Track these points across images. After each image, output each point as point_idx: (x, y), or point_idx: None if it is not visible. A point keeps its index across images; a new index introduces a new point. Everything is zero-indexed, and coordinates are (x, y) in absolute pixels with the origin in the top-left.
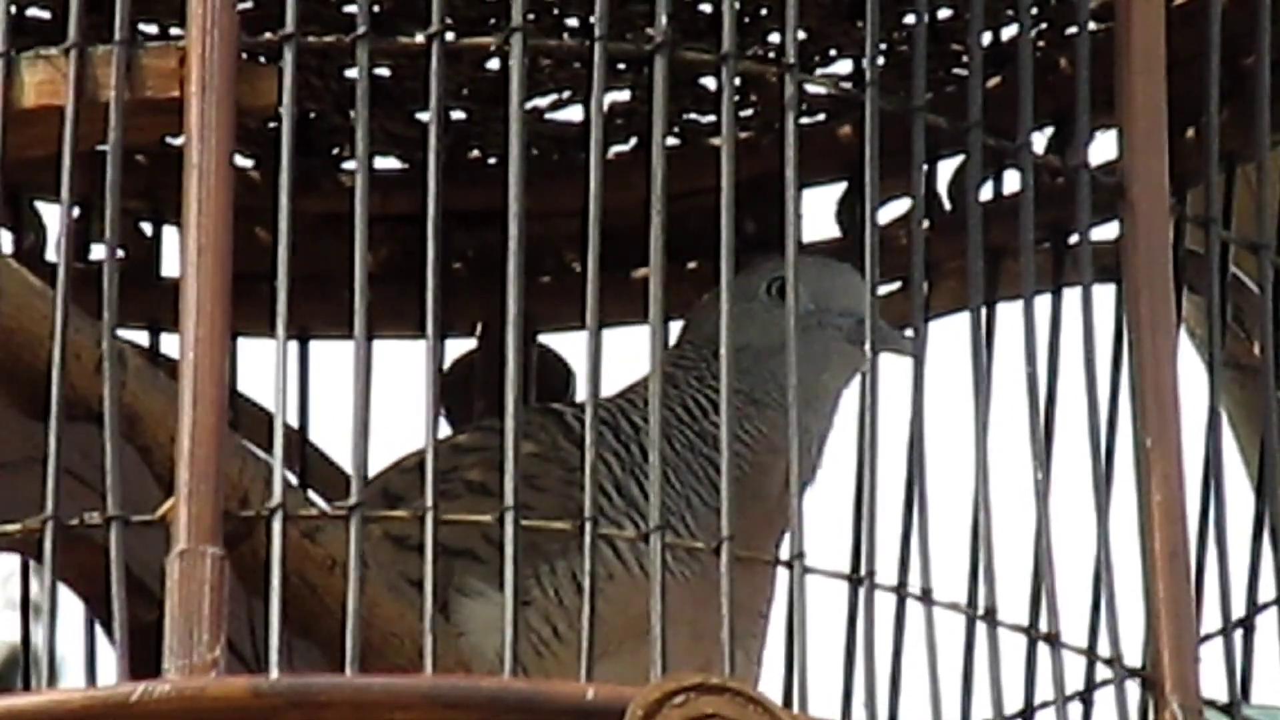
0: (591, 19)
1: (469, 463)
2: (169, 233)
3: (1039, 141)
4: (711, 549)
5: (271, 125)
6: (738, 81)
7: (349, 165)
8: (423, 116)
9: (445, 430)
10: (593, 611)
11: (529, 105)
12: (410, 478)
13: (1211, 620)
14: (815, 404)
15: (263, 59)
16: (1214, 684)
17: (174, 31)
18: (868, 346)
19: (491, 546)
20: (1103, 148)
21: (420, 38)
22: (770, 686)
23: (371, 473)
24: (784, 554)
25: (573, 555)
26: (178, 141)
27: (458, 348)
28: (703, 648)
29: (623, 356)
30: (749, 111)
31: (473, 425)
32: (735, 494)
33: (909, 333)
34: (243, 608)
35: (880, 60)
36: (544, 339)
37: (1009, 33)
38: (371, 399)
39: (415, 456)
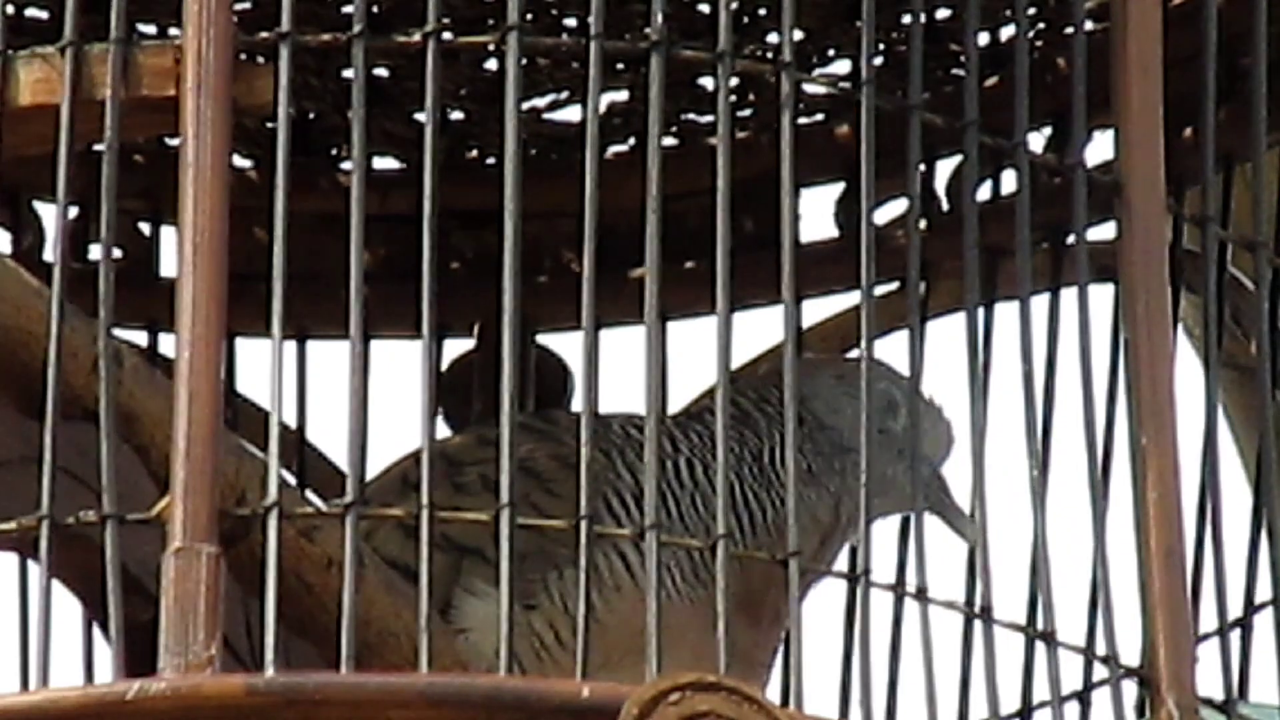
0: (589, 18)
1: (489, 457)
2: (168, 233)
3: (1036, 141)
4: (707, 547)
5: (270, 125)
6: (735, 81)
7: (347, 165)
8: (421, 116)
9: (443, 430)
10: (591, 615)
11: (527, 105)
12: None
13: (1209, 619)
14: (854, 521)
15: (259, 58)
16: (1211, 683)
17: (172, 31)
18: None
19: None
20: (1100, 147)
21: (417, 36)
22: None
23: (370, 474)
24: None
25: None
26: (176, 142)
27: (457, 348)
28: (703, 670)
29: (620, 357)
30: (747, 111)
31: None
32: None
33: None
34: (239, 606)
35: (878, 60)
36: (542, 339)
37: (1007, 33)
38: (369, 399)
39: (439, 445)
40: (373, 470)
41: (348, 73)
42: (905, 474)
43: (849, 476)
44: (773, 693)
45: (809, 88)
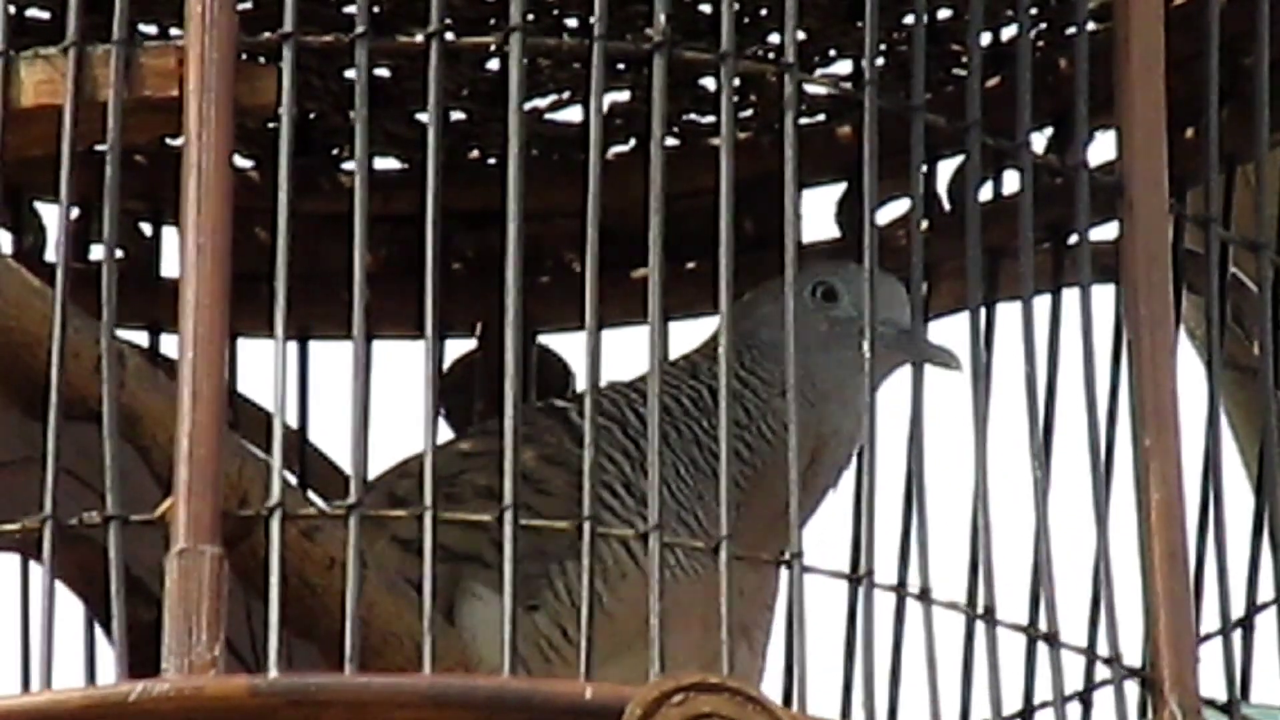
0: (591, 19)
1: (476, 466)
2: (169, 233)
3: (1038, 141)
4: (710, 548)
5: (272, 126)
6: (737, 82)
7: (349, 166)
8: (422, 117)
9: (445, 431)
10: (595, 610)
11: (529, 106)
12: (415, 482)
13: (1211, 620)
14: (850, 408)
15: (262, 59)
16: (1214, 683)
17: (174, 32)
18: (912, 354)
19: (499, 551)
20: (1102, 148)
21: (419, 37)
22: (770, 685)
23: (372, 474)
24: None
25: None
26: (178, 142)
27: (458, 348)
28: (714, 642)
29: (622, 356)
30: (749, 112)
31: (476, 429)
32: (747, 488)
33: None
34: (242, 607)
35: (880, 60)
36: (544, 339)
37: (1008, 33)
38: (371, 399)
39: (419, 460)
40: (374, 471)
41: (350, 73)
42: (877, 343)
43: (814, 383)
44: (775, 693)
45: (811, 88)
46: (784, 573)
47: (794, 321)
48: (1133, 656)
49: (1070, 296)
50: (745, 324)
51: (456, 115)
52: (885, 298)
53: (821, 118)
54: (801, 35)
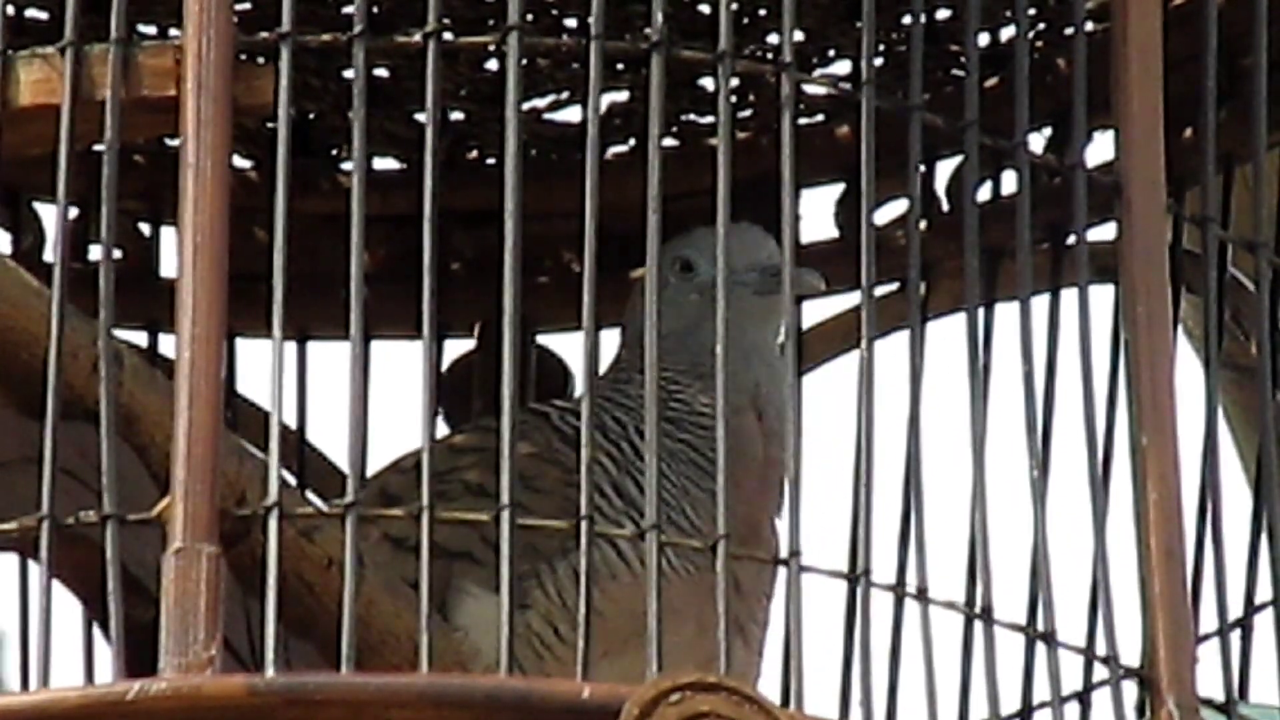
0: (589, 19)
1: (467, 463)
2: (167, 233)
3: (1037, 142)
4: (707, 548)
5: (270, 125)
6: (736, 82)
7: (347, 165)
8: (421, 117)
9: (443, 431)
10: (590, 610)
11: (528, 106)
12: (408, 478)
13: (1209, 620)
14: (754, 359)
15: (260, 58)
16: (1211, 683)
17: (172, 32)
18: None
19: (490, 548)
20: (1100, 148)
21: (417, 37)
22: (767, 684)
23: (370, 473)
24: (780, 553)
25: (573, 555)
26: (176, 142)
27: (457, 348)
28: (708, 641)
29: None
30: (747, 112)
31: (470, 425)
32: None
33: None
34: (240, 606)
35: (878, 60)
36: (542, 339)
37: (1007, 33)
38: (369, 399)
39: (413, 457)
40: (372, 471)
41: (348, 73)
42: (742, 300)
43: (711, 348)
44: (773, 693)
45: (809, 88)
46: (781, 571)
47: (671, 306)
48: (1131, 656)
49: (1068, 296)
50: (634, 325)
51: (455, 115)
52: (739, 246)
53: (820, 118)
54: (799, 35)
